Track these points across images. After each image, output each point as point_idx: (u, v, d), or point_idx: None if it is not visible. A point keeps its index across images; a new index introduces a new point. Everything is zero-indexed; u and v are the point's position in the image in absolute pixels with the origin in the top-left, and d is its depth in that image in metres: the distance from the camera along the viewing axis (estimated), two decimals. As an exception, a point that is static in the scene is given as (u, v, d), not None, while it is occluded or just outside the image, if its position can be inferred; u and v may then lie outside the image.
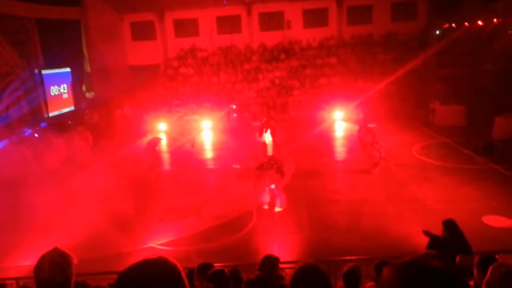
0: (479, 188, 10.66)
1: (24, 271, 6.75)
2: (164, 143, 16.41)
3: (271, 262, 4.70)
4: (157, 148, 13.34)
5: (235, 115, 21.72)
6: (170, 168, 13.57)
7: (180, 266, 1.38)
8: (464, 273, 3.87)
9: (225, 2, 24.11)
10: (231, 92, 23.54)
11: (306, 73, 24.07)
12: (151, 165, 13.00)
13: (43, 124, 17.90)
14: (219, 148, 16.82)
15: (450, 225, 6.08)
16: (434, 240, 6.14)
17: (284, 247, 8.62)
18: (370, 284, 4.43)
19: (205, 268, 4.55)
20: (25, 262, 7.51)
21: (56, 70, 19.14)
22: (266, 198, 10.37)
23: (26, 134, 16.58)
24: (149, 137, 15.14)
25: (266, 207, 10.32)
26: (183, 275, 1.38)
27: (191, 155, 16.19)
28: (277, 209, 10.29)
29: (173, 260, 1.38)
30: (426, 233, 6.23)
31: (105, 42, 22.47)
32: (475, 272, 3.64)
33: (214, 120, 21.01)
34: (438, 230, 8.49)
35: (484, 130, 15.42)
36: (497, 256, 3.84)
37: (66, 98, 20.10)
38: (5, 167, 12.46)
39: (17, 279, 6.69)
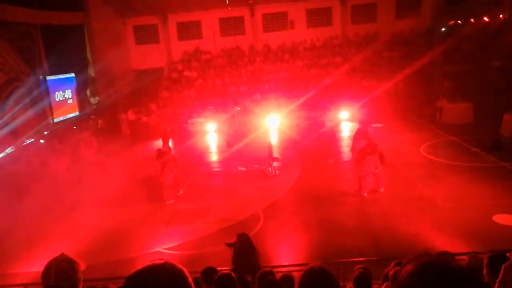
0: (488, 186, 10.50)
1: (32, 277, 6.77)
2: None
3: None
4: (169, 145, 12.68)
5: (240, 117, 21.63)
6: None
7: (186, 271, 1.36)
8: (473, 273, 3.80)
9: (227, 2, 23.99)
10: (235, 94, 23.43)
11: (311, 73, 23.93)
12: (171, 186, 11.70)
13: (48, 130, 17.94)
14: (224, 151, 16.75)
15: (242, 238, 6.04)
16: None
17: (292, 249, 8.53)
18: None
19: (209, 273, 4.50)
20: (33, 268, 7.51)
21: (61, 76, 19.18)
22: (369, 181, 10.61)
23: (32, 140, 16.62)
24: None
25: (365, 194, 10.60)
26: (190, 280, 1.35)
27: (196, 158, 16.16)
28: (381, 190, 10.81)
29: (179, 265, 1.36)
30: (228, 245, 6.23)
31: (109, 47, 22.47)
32: (485, 271, 3.61)
33: (219, 123, 20.94)
34: (448, 229, 8.42)
35: (492, 127, 15.24)
36: (508, 255, 3.76)
37: (71, 104, 20.13)
38: (11, 173, 12.49)
39: (25, 285, 6.70)
